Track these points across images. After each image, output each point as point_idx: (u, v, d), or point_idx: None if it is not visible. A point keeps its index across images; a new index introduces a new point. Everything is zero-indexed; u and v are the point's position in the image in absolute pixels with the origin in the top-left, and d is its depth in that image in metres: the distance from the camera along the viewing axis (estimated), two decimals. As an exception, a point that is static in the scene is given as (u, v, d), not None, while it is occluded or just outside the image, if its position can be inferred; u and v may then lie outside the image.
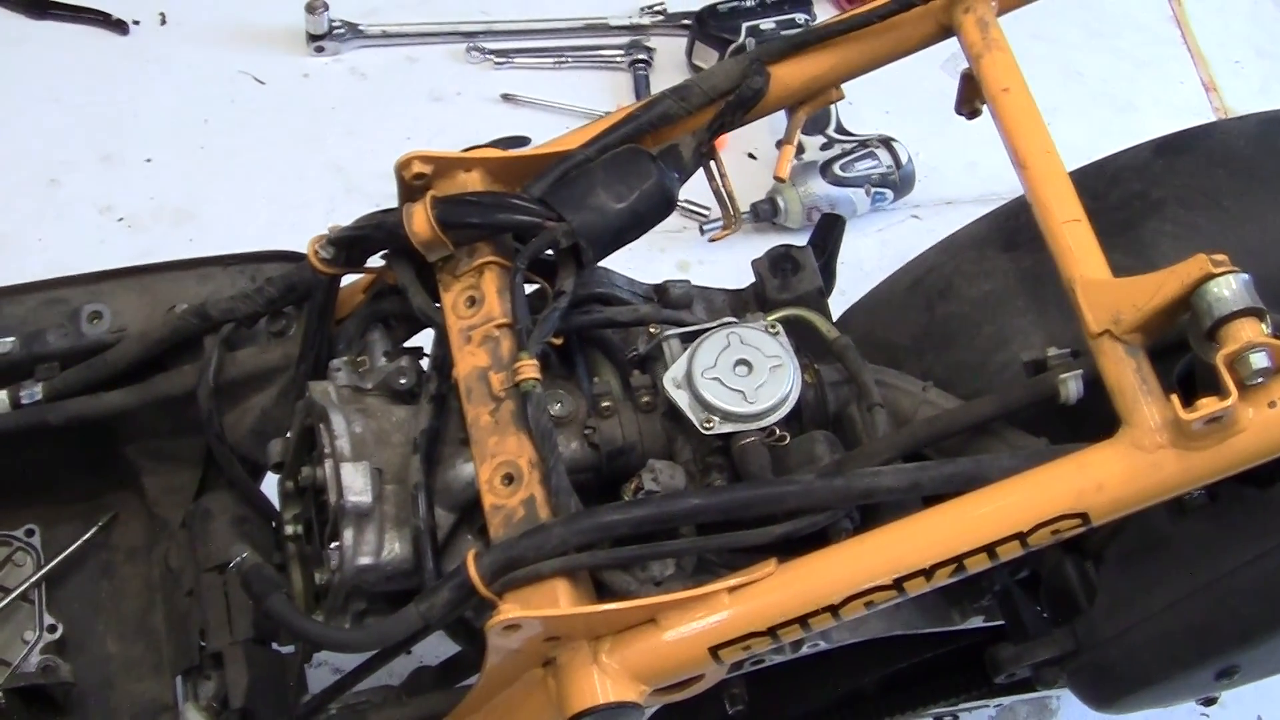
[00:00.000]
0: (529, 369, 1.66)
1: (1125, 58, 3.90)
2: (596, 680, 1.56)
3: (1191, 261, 1.46)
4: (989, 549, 1.54)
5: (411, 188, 1.85)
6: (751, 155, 3.53)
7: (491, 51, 3.66)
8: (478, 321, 1.76)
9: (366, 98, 3.54)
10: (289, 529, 1.83)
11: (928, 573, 1.55)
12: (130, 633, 2.08)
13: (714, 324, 1.74)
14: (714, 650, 1.57)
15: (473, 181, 1.86)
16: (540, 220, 1.78)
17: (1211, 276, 1.44)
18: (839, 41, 1.89)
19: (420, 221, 1.78)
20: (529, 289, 1.80)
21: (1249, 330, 1.42)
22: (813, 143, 3.41)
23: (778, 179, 1.93)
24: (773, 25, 3.50)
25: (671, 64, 3.67)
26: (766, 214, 3.33)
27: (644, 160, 1.83)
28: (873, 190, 3.35)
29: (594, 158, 1.84)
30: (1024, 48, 3.75)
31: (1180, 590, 1.71)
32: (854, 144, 3.41)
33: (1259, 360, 1.42)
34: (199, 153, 3.38)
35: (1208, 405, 1.43)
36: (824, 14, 3.75)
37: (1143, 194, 1.86)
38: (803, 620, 1.57)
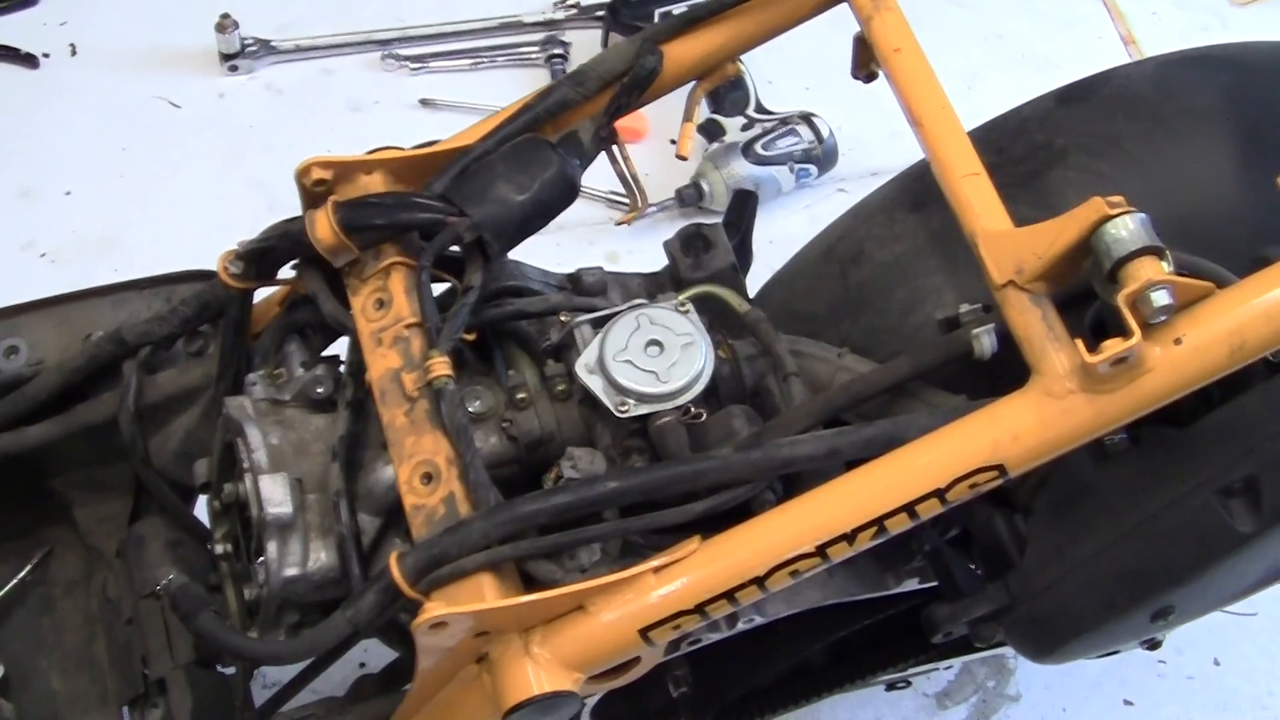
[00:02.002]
0: (440, 366, 1.65)
1: (1045, 18, 3.90)
2: (530, 672, 1.55)
3: (1088, 205, 1.45)
4: (908, 508, 1.54)
5: (313, 194, 1.84)
6: (674, 141, 3.48)
7: (407, 58, 3.66)
8: (387, 323, 1.75)
9: (284, 113, 3.53)
10: (219, 548, 1.82)
11: (849, 537, 1.55)
12: (74, 667, 2.06)
13: (623, 307, 1.73)
14: (644, 632, 1.56)
15: (375, 184, 1.84)
16: (442, 216, 1.77)
17: (1108, 218, 1.44)
18: (731, 15, 1.90)
19: (323, 227, 1.76)
20: (441, 288, 1.80)
21: (1149, 269, 1.42)
22: (733, 124, 3.42)
23: (680, 157, 1.92)
24: (684, 9, 3.49)
25: (588, 56, 3.62)
26: (692, 199, 3.33)
27: (544, 149, 1.83)
28: (796, 166, 3.36)
29: (494, 150, 1.83)
30: (945, 14, 3.81)
31: (1108, 536, 1.71)
32: (774, 122, 3.41)
33: (1160, 298, 1.42)
34: (119, 181, 3.36)
35: (1112, 346, 1.43)
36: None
37: (1046, 144, 1.85)
38: (730, 595, 1.56)
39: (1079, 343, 1.46)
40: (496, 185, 1.79)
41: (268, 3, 3.75)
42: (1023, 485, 1.75)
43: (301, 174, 1.83)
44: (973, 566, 1.88)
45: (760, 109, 3.45)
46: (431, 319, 1.71)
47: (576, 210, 3.22)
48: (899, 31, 1.78)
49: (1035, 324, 1.52)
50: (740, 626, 1.81)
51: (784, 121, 3.41)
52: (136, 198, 3.32)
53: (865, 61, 1.87)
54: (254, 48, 3.59)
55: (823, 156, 3.39)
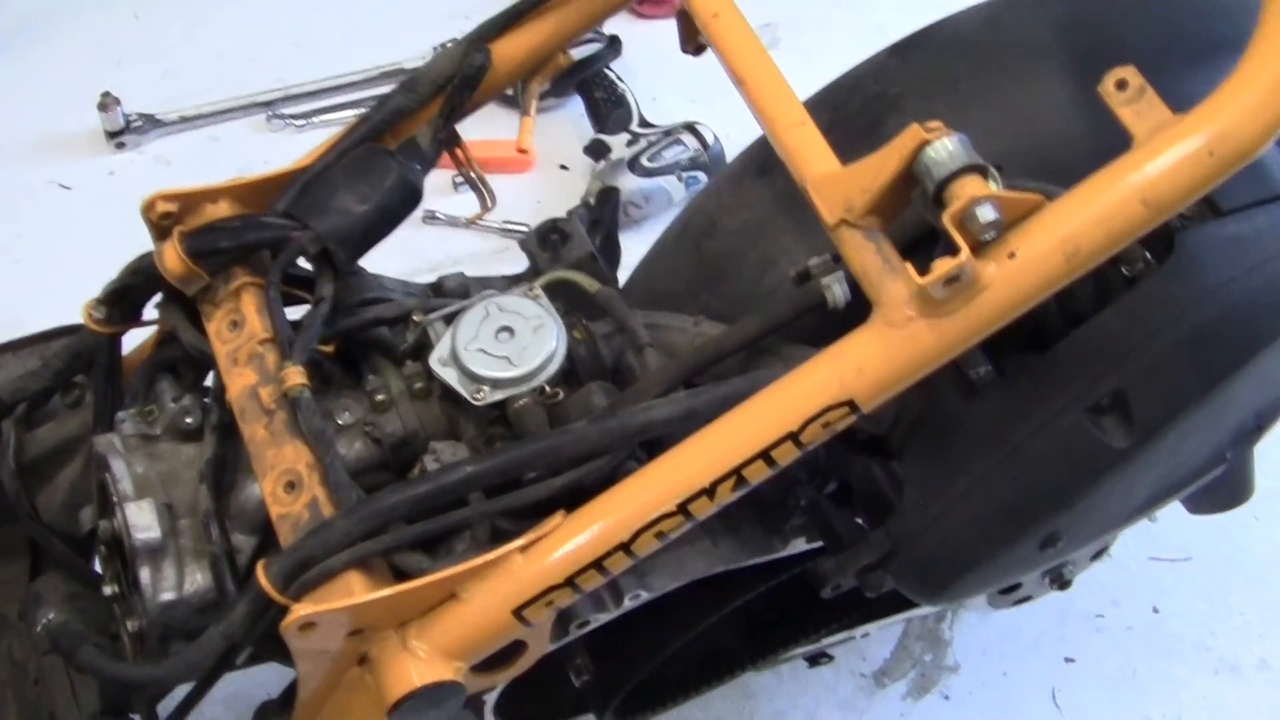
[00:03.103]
0: (294, 375, 1.65)
1: (927, 6, 3.90)
2: (409, 665, 1.55)
3: (905, 133, 1.45)
4: (764, 455, 1.53)
5: (161, 228, 1.85)
6: (564, 166, 3.54)
7: (292, 116, 3.66)
8: (242, 342, 1.75)
9: (175, 184, 3.47)
10: (107, 589, 1.81)
11: (709, 491, 1.54)
12: (-15, 734, 2.05)
13: (474, 299, 1.73)
14: (518, 612, 1.56)
15: (220, 211, 1.86)
16: (286, 232, 1.77)
17: (926, 142, 1.44)
18: (553, 5, 1.90)
19: (171, 257, 1.77)
20: (301, 309, 1.80)
21: (971, 186, 1.42)
22: (618, 141, 3.43)
23: (520, 151, 1.93)
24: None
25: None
26: (584, 219, 3.33)
27: (382, 157, 1.83)
28: (685, 175, 3.36)
29: (335, 164, 1.84)
30: (830, 14, 3.82)
31: (982, 468, 1.70)
32: (659, 135, 3.42)
33: (986, 213, 1.41)
34: (15, 268, 3.34)
35: (942, 266, 1.42)
36: (614, 17, 3.77)
37: (881, 94, 1.86)
38: (598, 565, 1.55)
39: (909, 267, 1.46)
40: (338, 196, 1.80)
41: (150, 77, 3.76)
42: (895, 430, 1.75)
43: (147, 209, 1.85)
44: (857, 519, 1.88)
45: (644, 123, 3.47)
46: (284, 333, 1.72)
47: (472, 242, 3.27)
48: (716, -4, 1.78)
49: (870, 258, 1.52)
50: (628, 604, 1.80)
51: (668, 133, 3.42)
52: (34, 284, 3.29)
53: (691, 34, 1.87)
54: (139, 123, 3.59)
55: (710, 163, 3.40)
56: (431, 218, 3.37)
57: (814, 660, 2.52)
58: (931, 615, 2.74)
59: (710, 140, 3.42)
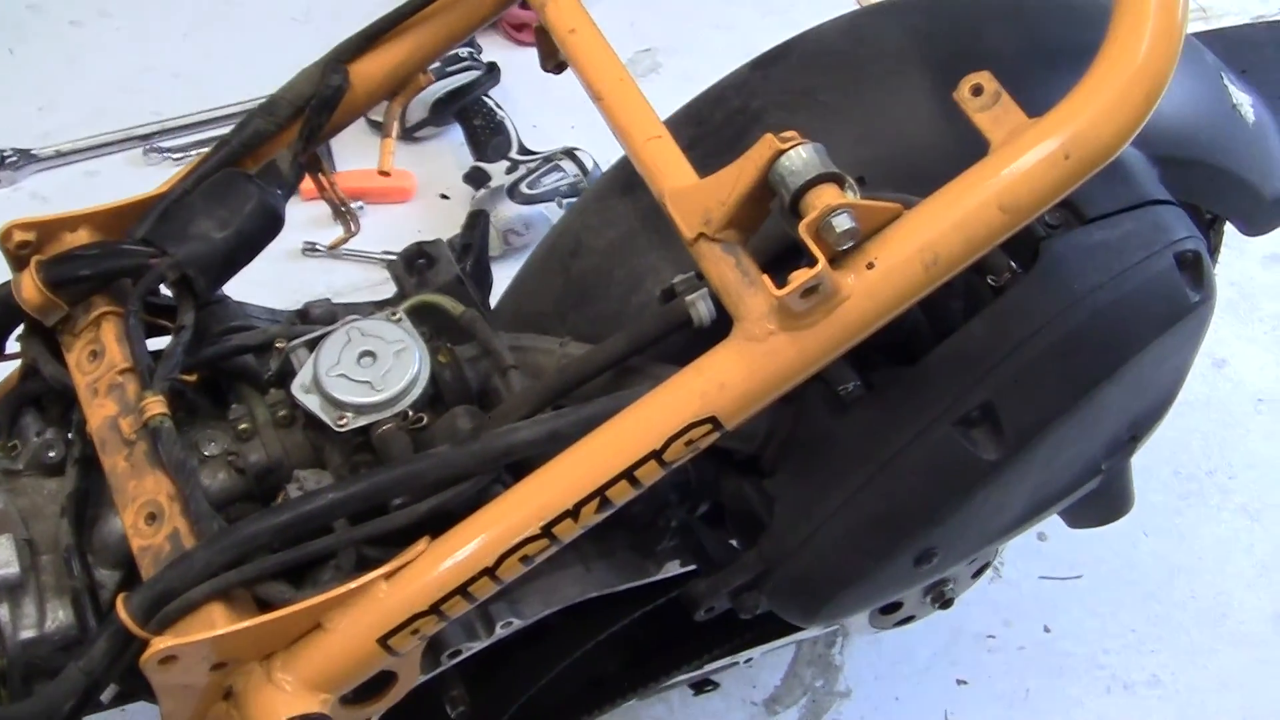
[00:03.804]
0: (154, 405, 1.62)
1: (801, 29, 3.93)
2: (274, 698, 1.52)
3: (761, 143, 1.44)
4: (627, 475, 1.51)
5: (19, 258, 1.81)
6: (444, 195, 3.53)
7: (170, 150, 3.63)
8: (101, 372, 1.72)
9: (49, 220, 3.49)
10: (-19, 639, 1.77)
11: (573, 513, 1.52)
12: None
13: (336, 325, 1.71)
14: (384, 641, 1.53)
15: (80, 239, 1.83)
16: (145, 260, 1.74)
17: (781, 152, 1.43)
18: (411, 25, 1.89)
19: (29, 288, 1.74)
20: (166, 338, 1.77)
21: (827, 195, 1.41)
22: (498, 169, 3.42)
23: (382, 173, 1.90)
24: (437, 64, 3.50)
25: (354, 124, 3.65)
26: (454, 243, 3.32)
27: (241, 182, 1.81)
28: (564, 201, 3.35)
29: (194, 189, 1.81)
30: (707, 38, 3.83)
31: (853, 484, 1.70)
32: (538, 161, 3.42)
33: (842, 223, 1.40)
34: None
35: (798, 277, 1.40)
36: (492, 44, 3.77)
37: (743, 108, 1.85)
38: (463, 591, 1.53)
39: (766, 279, 1.45)
40: (197, 222, 1.77)
41: (25, 113, 3.72)
42: (767, 448, 1.74)
43: (4, 238, 1.80)
44: (730, 540, 1.86)
45: (524, 150, 3.46)
46: (144, 362, 1.69)
47: (353, 273, 3.25)
48: (572, 13, 1.77)
49: (729, 272, 1.51)
50: (500, 632, 1.79)
51: (547, 160, 3.42)
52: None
53: (550, 52, 1.86)
54: (14, 158, 3.54)
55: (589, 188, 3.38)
56: (311, 249, 3.34)
57: (699, 688, 2.51)
58: (822, 640, 2.74)
59: (590, 166, 3.42)
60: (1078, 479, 1.91)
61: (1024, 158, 1.43)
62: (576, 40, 1.75)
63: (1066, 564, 2.96)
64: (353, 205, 3.24)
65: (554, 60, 1.87)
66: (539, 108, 3.59)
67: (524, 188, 3.35)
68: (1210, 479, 3.14)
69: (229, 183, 1.81)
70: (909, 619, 2.15)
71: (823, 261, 1.40)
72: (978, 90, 1.48)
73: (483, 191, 3.40)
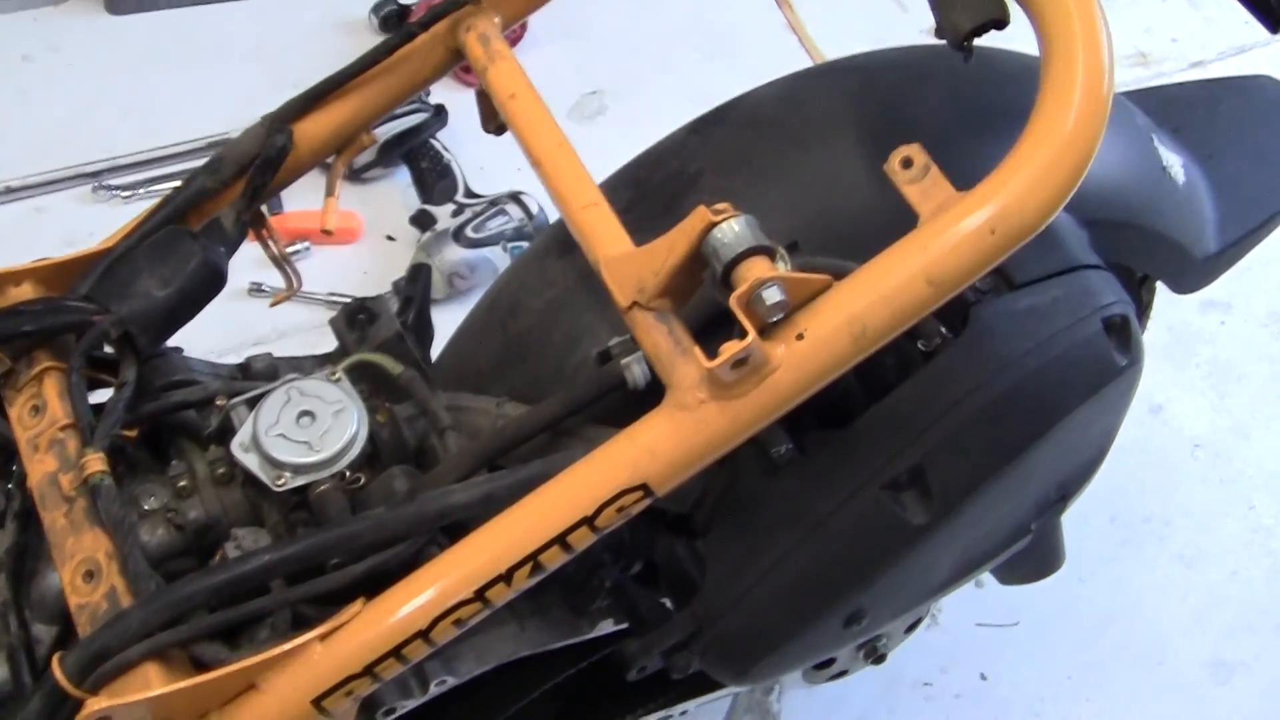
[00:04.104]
0: (95, 463, 1.63)
1: (747, 72, 3.94)
2: (208, 758, 1.53)
3: (694, 215, 1.46)
4: (559, 541, 1.53)
5: (-40, 313, 1.82)
6: (390, 237, 3.54)
7: (119, 187, 3.64)
8: (43, 428, 1.73)
9: (-2, 256, 3.49)
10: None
11: (505, 577, 1.53)
12: None
13: (276, 384, 1.72)
14: (317, 703, 1.54)
15: (25, 293, 1.83)
16: (88, 316, 1.75)
17: (714, 224, 1.45)
18: (355, 86, 1.89)
19: (-33, 349, 1.75)
20: (108, 393, 1.78)
21: (758, 268, 1.43)
22: (444, 212, 3.44)
23: (325, 231, 1.92)
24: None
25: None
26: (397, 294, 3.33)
27: (184, 240, 1.82)
28: (510, 245, 3.38)
29: (136, 246, 1.83)
30: (653, 81, 3.85)
31: (783, 547, 1.71)
32: (484, 205, 3.44)
33: (772, 295, 1.42)
34: None
35: (729, 349, 1.42)
36: (440, 86, 3.78)
37: (680, 171, 1.87)
38: (397, 653, 1.54)
39: (697, 350, 1.47)
40: (140, 280, 1.79)
41: (-28, 147, 3.71)
42: (700, 508, 1.75)
43: (-52, 293, 1.81)
44: (662, 600, 1.88)
45: (470, 194, 3.49)
46: (85, 419, 1.70)
47: (299, 314, 3.26)
48: (513, 78, 1.79)
49: (662, 340, 1.53)
50: (434, 690, 1.80)
51: (493, 203, 3.45)
52: None
53: (491, 115, 1.89)
54: (-38, 194, 3.55)
55: (534, 232, 3.42)
56: (257, 290, 3.36)
57: (630, 741, 2.52)
58: (759, 688, 2.75)
59: (535, 210, 3.45)
60: (1007, 539, 1.94)
61: (950, 232, 1.46)
62: (516, 105, 1.78)
63: (1003, 611, 2.98)
64: (299, 246, 3.31)
65: (495, 123, 1.90)
66: (486, 151, 3.57)
67: (469, 231, 3.37)
68: (1146, 526, 3.18)
69: (172, 241, 1.83)
70: (842, 673, 2.17)
71: (753, 334, 1.42)
72: (907, 163, 1.50)
73: (428, 234, 3.41)
